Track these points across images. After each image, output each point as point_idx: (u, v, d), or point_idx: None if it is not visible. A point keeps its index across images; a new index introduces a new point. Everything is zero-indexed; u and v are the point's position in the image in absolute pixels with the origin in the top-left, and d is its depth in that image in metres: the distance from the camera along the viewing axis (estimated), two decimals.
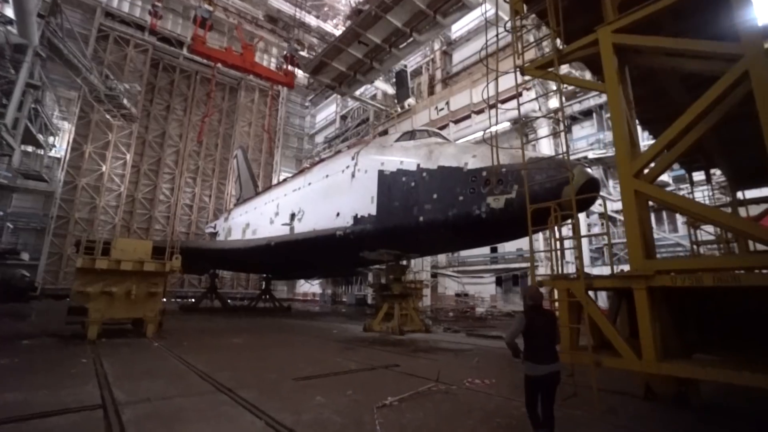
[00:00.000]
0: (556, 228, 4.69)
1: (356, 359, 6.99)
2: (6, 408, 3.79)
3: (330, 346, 8.82)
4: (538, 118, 22.56)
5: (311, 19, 44.58)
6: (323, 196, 12.91)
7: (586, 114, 24.93)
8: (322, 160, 17.14)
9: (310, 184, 14.01)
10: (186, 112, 42.26)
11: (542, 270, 22.94)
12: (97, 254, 9.22)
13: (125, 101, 29.11)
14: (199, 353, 7.29)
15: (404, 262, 13.60)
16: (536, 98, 24.18)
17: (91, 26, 34.94)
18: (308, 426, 3.49)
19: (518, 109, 6.46)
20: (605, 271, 20.99)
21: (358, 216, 11.02)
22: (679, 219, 19.93)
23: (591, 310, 3.91)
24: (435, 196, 9.29)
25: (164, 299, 28.83)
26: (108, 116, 31.38)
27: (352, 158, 11.99)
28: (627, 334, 4.31)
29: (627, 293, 4.08)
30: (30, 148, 28.72)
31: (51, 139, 27.51)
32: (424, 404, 4.22)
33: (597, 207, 19.25)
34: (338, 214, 11.77)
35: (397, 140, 11.37)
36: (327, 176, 13.03)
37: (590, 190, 7.48)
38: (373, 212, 10.61)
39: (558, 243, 4.70)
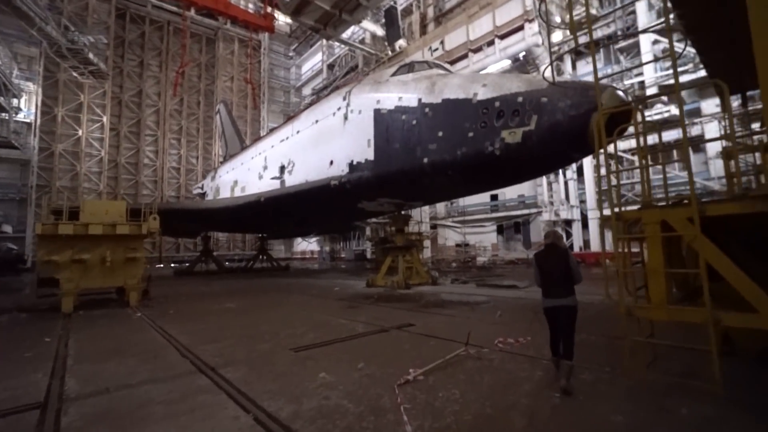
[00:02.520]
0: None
1: (363, 319, 6.18)
2: None
3: (332, 306, 8.04)
4: (564, 48, 20.63)
5: None
6: (314, 143, 11.64)
7: (595, 45, 22.92)
8: (310, 105, 15.64)
9: (298, 132, 12.66)
10: (162, 68, 39.33)
11: (546, 216, 22.26)
12: (64, 219, 8.15)
13: (91, 55, 26.55)
14: (185, 322, 6.45)
15: (406, 212, 12.68)
16: (539, 32, 22.28)
17: None
18: (311, 420, 2.61)
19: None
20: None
21: (354, 162, 9.86)
22: (693, 156, 18.91)
23: (704, 247, 2.81)
24: (440, 133, 8.09)
25: (158, 265, 28.20)
26: (75, 74, 28.83)
27: (344, 98, 10.61)
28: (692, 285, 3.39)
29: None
30: None
31: (14, 101, 25.34)
32: (456, 377, 3.37)
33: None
34: (332, 163, 10.59)
35: (394, 74, 9.95)
36: (317, 121, 11.68)
37: (622, 115, 6.33)
38: (371, 157, 9.44)
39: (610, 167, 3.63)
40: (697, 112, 18.40)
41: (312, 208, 13.18)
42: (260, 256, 23.29)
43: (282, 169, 13.11)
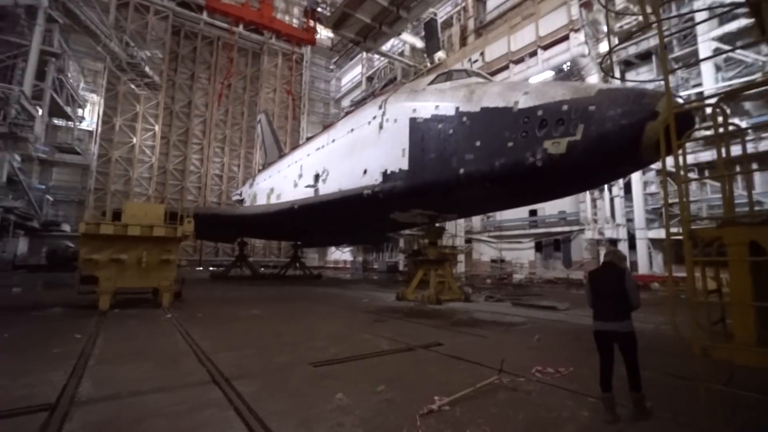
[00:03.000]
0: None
1: (388, 335, 5.85)
2: None
3: (358, 318, 7.77)
4: (617, 50, 19.72)
5: None
6: (348, 152, 11.56)
7: (644, 57, 21.72)
8: (347, 113, 15.69)
9: (333, 141, 12.67)
10: (210, 80, 41.42)
11: (589, 234, 20.98)
12: (108, 219, 8.47)
13: (147, 69, 28.43)
14: (210, 327, 6.40)
15: (440, 225, 12.27)
16: (585, 41, 21.38)
17: None
18: None
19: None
20: (663, 234, 18.75)
21: (388, 172, 9.64)
22: (759, 174, 17.19)
23: None
24: (478, 143, 7.71)
25: (198, 268, 29.15)
26: (132, 86, 30.99)
27: (380, 107, 10.48)
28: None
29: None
30: (61, 122, 29.04)
31: (79, 111, 27.45)
32: (487, 410, 2.97)
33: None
34: (365, 172, 10.43)
35: (431, 83, 9.71)
36: (352, 130, 11.62)
37: (684, 125, 5.69)
38: (405, 167, 9.19)
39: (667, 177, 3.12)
40: (766, 126, 16.79)
41: (344, 218, 13.08)
42: (293, 264, 23.51)
43: (316, 177, 13.13)
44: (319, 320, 7.45)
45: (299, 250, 24.02)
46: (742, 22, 16.96)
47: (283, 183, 16.18)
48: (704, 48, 17.76)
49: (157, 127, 36.39)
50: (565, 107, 6.55)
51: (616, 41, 21.18)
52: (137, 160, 35.31)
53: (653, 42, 20.77)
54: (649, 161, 6.14)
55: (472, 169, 7.74)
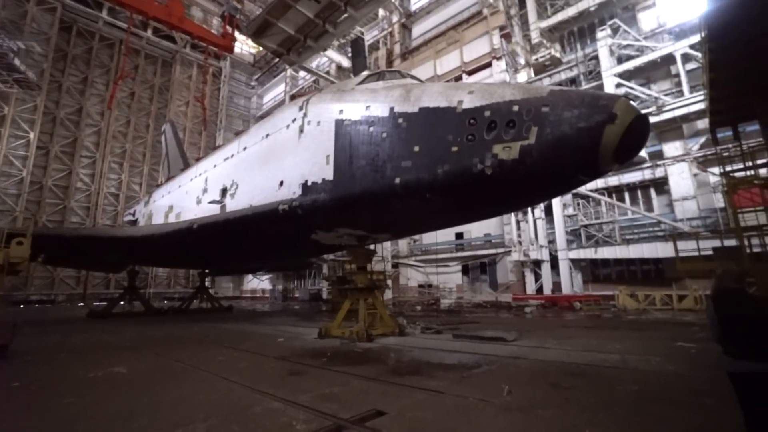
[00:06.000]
0: None
1: (306, 400, 4.13)
2: None
3: (268, 369, 5.88)
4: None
5: None
6: (263, 161, 9.72)
7: None
8: (262, 117, 13.80)
9: (245, 148, 10.71)
10: (108, 87, 36.30)
11: (515, 255, 21.17)
12: None
13: (17, 62, 23.59)
14: (21, 407, 4.08)
15: (369, 247, 10.83)
16: (506, 69, 22.30)
17: None
18: None
19: None
20: (582, 254, 19.51)
21: (309, 183, 8.03)
22: (656, 197, 18.78)
23: None
24: (416, 148, 6.52)
25: (80, 303, 24.06)
26: None
27: (300, 108, 8.92)
28: None
29: None
30: None
31: None
32: None
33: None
34: (282, 183, 8.69)
35: (361, 83, 8.47)
36: (267, 136, 9.84)
37: (639, 131, 5.03)
38: (329, 176, 7.67)
39: None
40: (659, 155, 18.48)
41: (256, 240, 11.01)
42: (199, 295, 20.24)
43: (224, 191, 10.99)
44: (209, 377, 5.39)
45: (207, 278, 20.81)
46: (637, 61, 18.85)
47: (184, 199, 13.58)
48: (609, 84, 19.31)
49: (32, 135, 30.58)
50: (515, 107, 5.63)
51: (532, 73, 22.48)
52: (0, 173, 29.06)
53: (564, 76, 22.35)
54: (607, 169, 5.43)
55: (410, 178, 6.48)
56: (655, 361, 5.62)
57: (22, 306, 27.29)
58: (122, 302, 17.68)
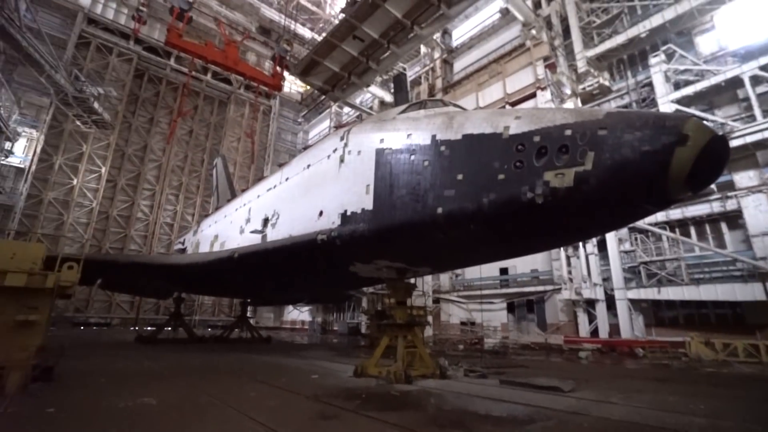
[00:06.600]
0: None
1: None
2: None
3: (298, 410, 5.49)
4: None
5: (305, 32, 42.90)
6: (303, 191, 9.78)
7: None
8: (305, 148, 14.11)
9: (287, 179, 10.89)
10: (170, 125, 39.65)
11: (566, 294, 19.66)
12: None
13: (96, 105, 26.34)
14: None
15: (409, 281, 10.36)
16: (551, 99, 21.73)
17: (71, 32, 32.80)
18: None
19: None
20: (643, 294, 17.73)
21: (348, 213, 7.87)
22: (728, 233, 16.89)
23: None
24: (460, 176, 6.18)
25: (132, 327, 25.25)
26: (78, 122, 28.60)
27: (341, 138, 8.95)
28: None
29: None
30: None
31: (7, 144, 24.53)
32: None
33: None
34: (321, 213, 8.61)
35: (402, 112, 8.39)
36: (308, 166, 9.94)
37: (716, 153, 4.37)
38: (369, 206, 7.47)
39: None
40: (729, 186, 16.75)
41: (295, 270, 10.94)
42: (240, 325, 20.43)
43: (265, 221, 11.14)
44: (234, 418, 5.09)
45: (248, 308, 21.06)
46: (698, 86, 17.61)
47: (228, 229, 13.97)
48: (666, 110, 18.12)
49: (104, 169, 33.58)
50: (568, 131, 5.16)
51: (579, 102, 21.69)
52: (75, 203, 31.88)
53: (614, 104, 21.37)
54: (678, 198, 4.75)
55: (453, 208, 6.10)
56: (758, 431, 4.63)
57: (82, 327, 29.06)
58: (168, 328, 18.17)
